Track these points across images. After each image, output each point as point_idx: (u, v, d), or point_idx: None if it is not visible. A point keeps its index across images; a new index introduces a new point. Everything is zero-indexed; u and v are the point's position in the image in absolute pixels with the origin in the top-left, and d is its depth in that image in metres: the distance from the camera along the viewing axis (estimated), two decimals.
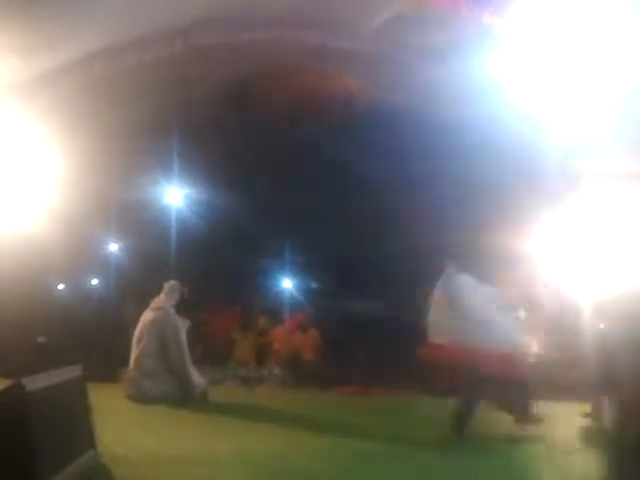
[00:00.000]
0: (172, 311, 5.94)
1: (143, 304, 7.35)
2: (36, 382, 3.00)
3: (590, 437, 4.32)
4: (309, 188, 8.66)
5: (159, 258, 8.45)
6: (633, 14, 4.52)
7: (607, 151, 6.32)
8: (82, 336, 6.62)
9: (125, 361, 6.02)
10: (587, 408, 4.94)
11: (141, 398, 5.53)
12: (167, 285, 6.11)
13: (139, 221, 8.45)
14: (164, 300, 6.01)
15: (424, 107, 6.70)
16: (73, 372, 3.46)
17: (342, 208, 8.67)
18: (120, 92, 6.01)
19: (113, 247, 9.54)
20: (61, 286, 9.20)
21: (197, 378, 5.88)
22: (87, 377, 3.60)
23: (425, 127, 6.86)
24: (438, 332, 4.60)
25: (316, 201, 8.89)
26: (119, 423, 4.50)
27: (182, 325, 5.95)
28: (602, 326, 5.99)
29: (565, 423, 4.80)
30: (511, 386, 4.43)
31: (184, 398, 5.61)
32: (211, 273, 8.80)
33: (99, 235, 8.79)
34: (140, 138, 7.03)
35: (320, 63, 6.47)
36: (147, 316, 5.95)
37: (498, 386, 4.40)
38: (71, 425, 3.30)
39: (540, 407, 4.71)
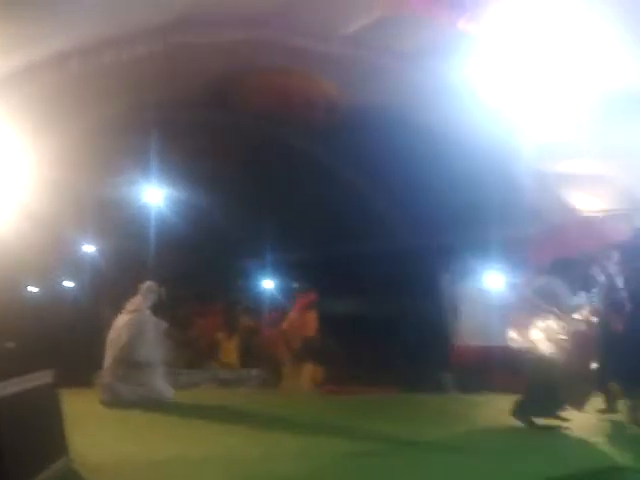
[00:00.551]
0: (148, 313, 5.84)
1: (119, 306, 7.23)
2: (5, 389, 2.91)
3: None
4: (290, 187, 8.61)
5: (136, 258, 8.32)
6: (603, 19, 4.62)
7: (576, 153, 6.49)
8: (55, 340, 6.45)
9: (100, 365, 5.89)
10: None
11: (116, 403, 5.41)
12: (143, 286, 6.01)
13: (116, 221, 8.30)
14: (140, 301, 5.90)
15: (402, 109, 6.76)
16: (44, 378, 3.36)
17: (323, 207, 8.66)
18: (97, 90, 5.90)
19: (89, 248, 9.35)
20: (33, 288, 9.00)
21: (161, 386, 5.75)
22: (60, 382, 3.50)
23: (403, 129, 6.93)
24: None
25: (297, 200, 8.87)
26: (93, 429, 4.41)
27: (158, 327, 5.84)
28: None
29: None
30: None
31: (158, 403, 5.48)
32: (191, 273, 8.69)
33: (74, 235, 8.60)
34: (117, 137, 6.91)
35: (300, 65, 6.47)
36: (122, 318, 5.83)
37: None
38: (42, 432, 3.20)
39: None
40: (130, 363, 5.61)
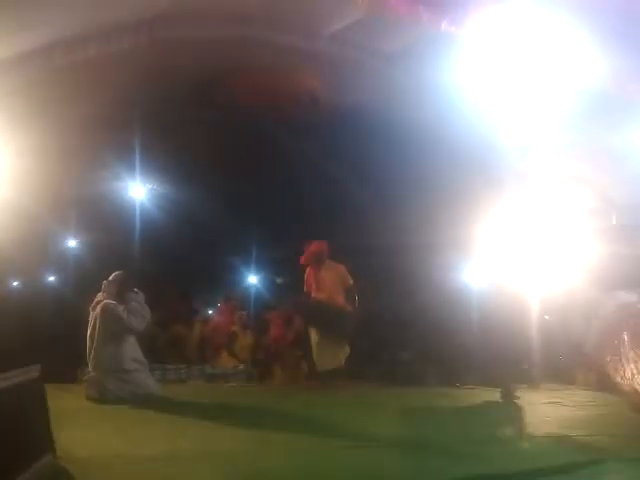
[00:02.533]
0: (112, 301, 5.77)
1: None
2: None
3: None
4: (274, 184, 8.63)
5: (119, 253, 8.26)
6: (585, 23, 4.73)
7: (556, 153, 6.62)
8: (39, 336, 6.39)
9: (85, 361, 5.84)
10: None
11: (102, 399, 5.37)
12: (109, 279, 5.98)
13: (100, 216, 8.23)
14: (104, 294, 5.87)
15: (384, 108, 6.82)
16: (30, 373, 3.33)
17: (306, 203, 8.70)
18: (81, 84, 5.85)
19: (72, 243, 9.27)
20: (17, 283, 8.90)
21: (148, 381, 5.72)
22: (45, 378, 3.47)
23: (385, 127, 7.00)
24: None
25: (281, 196, 8.89)
26: (80, 425, 4.37)
27: (132, 312, 5.76)
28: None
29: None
30: None
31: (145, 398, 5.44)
32: (174, 268, 8.65)
33: (57, 230, 8.52)
34: (101, 131, 6.85)
35: (284, 62, 6.49)
36: (93, 313, 5.82)
37: None
38: (27, 429, 3.17)
39: None
40: (106, 357, 5.57)
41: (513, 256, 6.77)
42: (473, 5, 5.00)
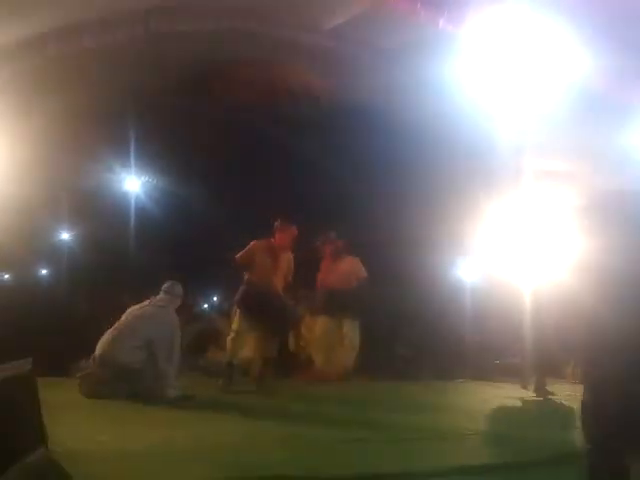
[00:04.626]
0: (174, 314, 5.62)
1: (96, 294, 7.13)
2: None
3: None
4: (270, 178, 8.62)
5: (113, 246, 8.23)
6: (579, 22, 4.76)
7: (553, 151, 6.66)
8: (31, 329, 6.34)
9: (77, 355, 5.79)
10: None
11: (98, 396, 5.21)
12: (170, 286, 5.75)
13: (94, 208, 8.19)
14: (168, 300, 5.67)
15: (383, 104, 6.83)
16: (22, 367, 3.30)
17: (301, 198, 8.70)
18: (76, 75, 5.80)
19: (66, 235, 9.22)
20: (9, 276, 8.84)
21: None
22: (38, 371, 3.44)
23: (383, 123, 7.00)
24: None
25: (276, 190, 8.88)
26: (73, 419, 4.34)
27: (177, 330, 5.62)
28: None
29: None
30: None
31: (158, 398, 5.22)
32: (170, 262, 8.61)
33: (51, 223, 8.47)
34: (96, 123, 6.81)
35: (282, 57, 6.47)
36: (145, 309, 5.52)
37: None
38: (19, 422, 3.15)
39: None
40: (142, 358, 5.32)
41: (508, 252, 6.82)
42: (471, 4, 5.03)
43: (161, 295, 5.66)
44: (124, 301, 6.92)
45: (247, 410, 5.09)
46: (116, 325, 5.50)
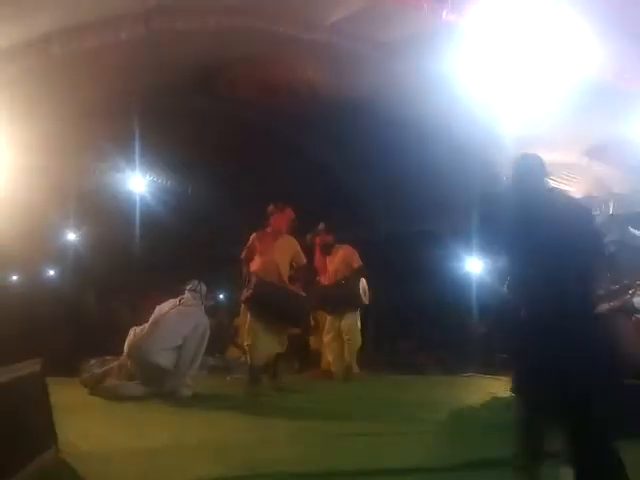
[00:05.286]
0: (204, 313, 5.64)
1: (103, 294, 7.15)
2: None
3: None
4: (273, 175, 8.60)
5: (120, 246, 8.25)
6: (583, 12, 4.71)
7: (558, 144, 6.61)
8: (40, 329, 6.38)
9: (86, 354, 5.80)
10: None
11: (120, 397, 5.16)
12: (196, 285, 5.74)
13: (100, 208, 8.21)
14: (198, 299, 5.66)
15: (385, 99, 6.79)
16: (32, 367, 3.31)
17: (305, 196, 8.68)
18: (79, 76, 5.80)
19: (72, 235, 9.24)
20: (18, 276, 8.88)
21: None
22: (47, 371, 3.46)
23: (385, 118, 6.97)
24: None
25: (280, 188, 8.85)
26: (81, 418, 4.37)
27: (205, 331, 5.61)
28: None
29: None
30: None
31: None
32: (176, 261, 8.62)
33: (58, 223, 8.50)
34: (100, 123, 6.81)
35: (283, 53, 6.43)
36: (177, 309, 5.52)
37: None
38: (29, 423, 3.16)
39: None
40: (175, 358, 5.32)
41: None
42: None
43: (187, 295, 5.65)
44: (133, 301, 6.95)
45: (260, 407, 5.11)
46: (150, 324, 5.43)
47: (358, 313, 7.05)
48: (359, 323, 7.05)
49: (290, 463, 3.36)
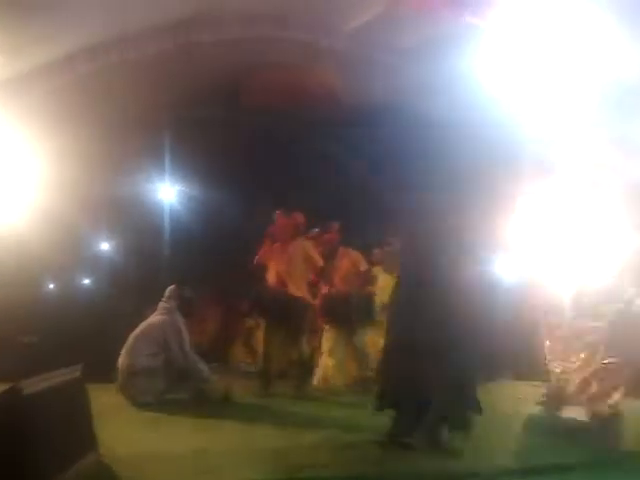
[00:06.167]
0: (178, 314, 5.76)
1: (137, 302, 7.28)
2: (33, 385, 2.97)
3: None
4: (297, 183, 8.66)
5: (151, 255, 8.40)
6: (607, 10, 4.63)
7: (584, 142, 6.49)
8: (75, 336, 6.55)
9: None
10: None
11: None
12: (169, 290, 5.89)
13: (130, 219, 8.39)
14: (170, 304, 5.83)
15: (406, 105, 6.77)
16: (72, 373, 3.42)
17: (330, 203, 8.70)
18: (108, 90, 5.97)
19: (106, 245, 9.48)
20: (54, 285, 9.11)
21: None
22: (86, 377, 3.56)
23: (407, 124, 6.94)
24: None
25: (305, 195, 8.91)
26: (119, 423, 4.49)
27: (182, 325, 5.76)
28: None
29: None
30: None
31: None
32: (206, 270, 8.73)
33: (90, 234, 8.71)
34: (130, 136, 6.98)
35: (305, 61, 6.49)
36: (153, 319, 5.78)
37: None
38: (71, 427, 3.27)
39: None
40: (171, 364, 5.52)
41: (541, 250, 6.63)
42: None
43: (160, 304, 5.84)
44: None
45: (288, 413, 5.15)
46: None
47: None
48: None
49: (319, 469, 3.41)
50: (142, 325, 5.79)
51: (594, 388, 4.25)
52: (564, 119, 5.99)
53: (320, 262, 6.17)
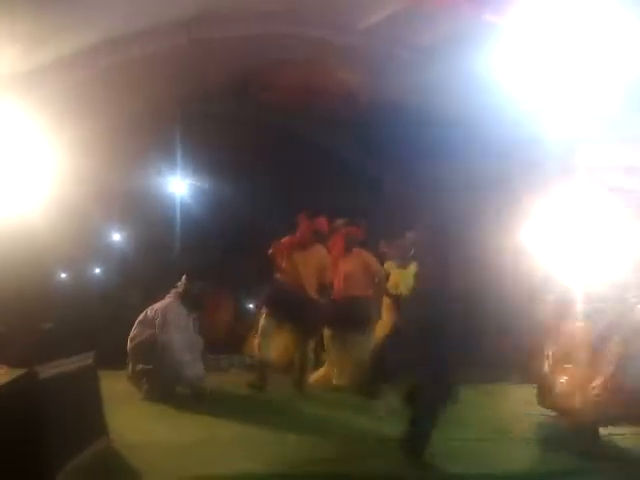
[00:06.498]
0: (178, 303, 5.79)
1: (146, 292, 7.39)
2: (48, 370, 3.07)
3: None
4: (311, 179, 8.70)
5: (162, 246, 8.52)
6: (627, 7, 4.58)
7: (605, 144, 6.42)
8: (88, 324, 6.68)
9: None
10: None
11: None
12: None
13: (142, 211, 8.50)
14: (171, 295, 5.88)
15: (422, 102, 6.74)
16: (85, 360, 3.52)
17: (344, 199, 8.73)
18: (123, 84, 6.03)
19: (118, 236, 9.64)
20: (69, 275, 9.27)
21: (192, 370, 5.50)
22: (98, 365, 3.66)
23: (423, 121, 6.90)
24: None
25: (318, 191, 8.95)
26: (129, 410, 4.58)
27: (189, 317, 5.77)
28: None
29: None
30: None
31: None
32: (214, 263, 8.83)
33: (104, 225, 8.85)
34: (144, 129, 7.06)
35: (320, 57, 6.49)
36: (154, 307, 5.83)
37: None
38: (83, 412, 3.37)
39: None
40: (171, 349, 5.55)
41: (563, 253, 6.55)
42: None
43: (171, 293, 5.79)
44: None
45: (294, 404, 5.21)
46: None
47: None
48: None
49: (322, 462, 3.47)
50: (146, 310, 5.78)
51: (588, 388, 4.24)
52: (584, 119, 5.92)
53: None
